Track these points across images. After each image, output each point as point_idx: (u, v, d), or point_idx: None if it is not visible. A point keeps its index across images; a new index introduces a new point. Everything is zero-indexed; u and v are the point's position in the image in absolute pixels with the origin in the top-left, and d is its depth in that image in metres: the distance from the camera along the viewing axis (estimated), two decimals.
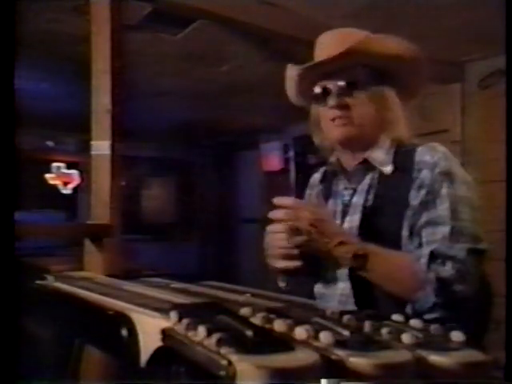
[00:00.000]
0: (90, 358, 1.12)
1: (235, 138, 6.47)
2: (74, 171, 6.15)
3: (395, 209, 1.13)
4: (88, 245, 1.69)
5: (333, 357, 0.54)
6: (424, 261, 1.05)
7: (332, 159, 1.30)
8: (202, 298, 0.92)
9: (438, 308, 1.02)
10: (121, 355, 0.79)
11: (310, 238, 1.03)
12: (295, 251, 1.08)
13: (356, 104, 1.17)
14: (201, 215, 7.08)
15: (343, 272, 1.15)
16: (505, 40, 1.12)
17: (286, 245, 1.07)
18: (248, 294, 0.96)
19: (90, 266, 1.65)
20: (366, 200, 1.18)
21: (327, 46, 1.20)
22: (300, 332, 0.59)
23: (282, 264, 1.11)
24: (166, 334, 0.64)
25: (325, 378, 0.52)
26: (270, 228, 1.09)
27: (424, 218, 1.09)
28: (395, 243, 1.10)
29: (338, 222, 1.21)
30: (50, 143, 6.01)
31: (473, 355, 0.58)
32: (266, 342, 0.55)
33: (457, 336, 0.62)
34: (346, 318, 0.69)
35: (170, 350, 0.62)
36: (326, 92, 1.20)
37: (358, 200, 1.20)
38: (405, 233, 1.11)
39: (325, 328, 0.61)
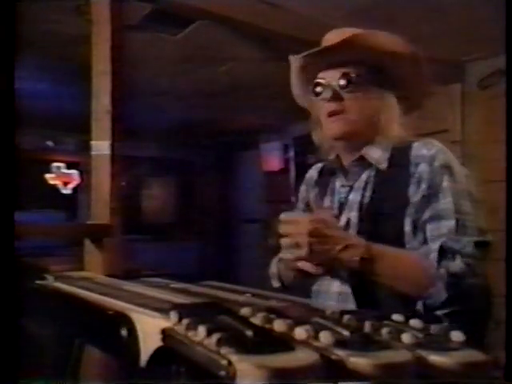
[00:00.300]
0: (89, 358, 1.12)
1: (235, 138, 6.47)
2: (74, 171, 6.15)
3: (394, 205, 1.13)
4: (88, 245, 1.69)
5: (333, 357, 0.54)
6: (433, 256, 1.04)
7: (331, 157, 1.30)
8: (202, 298, 0.92)
9: (451, 303, 1.02)
10: (121, 355, 0.79)
11: (312, 250, 1.01)
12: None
13: (351, 99, 1.18)
14: (201, 215, 7.09)
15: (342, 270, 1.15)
16: (505, 40, 1.12)
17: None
18: (248, 294, 0.96)
19: (90, 266, 1.65)
20: (362, 197, 1.18)
21: (330, 41, 1.21)
22: (300, 332, 0.59)
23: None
24: (166, 334, 0.64)
25: (325, 378, 0.52)
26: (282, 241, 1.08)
27: (427, 212, 1.09)
28: (396, 240, 1.09)
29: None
30: (50, 143, 6.01)
31: (473, 355, 0.58)
32: (266, 342, 0.55)
33: (457, 336, 0.62)
34: (345, 318, 0.69)
35: (170, 349, 0.62)
36: (323, 85, 1.21)
37: (354, 197, 1.20)
38: (407, 229, 1.10)
39: (325, 328, 0.61)
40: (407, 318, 0.68)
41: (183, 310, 0.66)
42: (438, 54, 2.98)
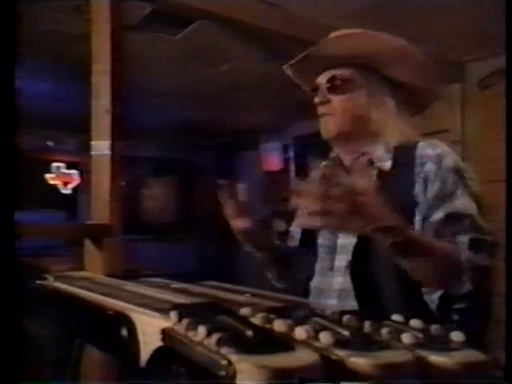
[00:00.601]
0: (89, 358, 1.12)
1: (235, 138, 6.47)
2: (74, 171, 6.15)
3: (398, 204, 1.12)
4: (88, 245, 1.69)
5: (333, 357, 0.54)
6: (463, 248, 1.03)
7: (332, 155, 1.30)
8: (202, 298, 0.92)
9: (471, 296, 1.01)
10: (121, 355, 0.79)
11: (339, 213, 0.84)
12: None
13: (338, 101, 1.20)
14: (201, 215, 7.08)
15: (341, 265, 1.14)
16: (505, 40, 1.12)
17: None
18: (248, 294, 0.96)
19: (90, 266, 1.65)
20: None
21: (322, 45, 1.22)
22: (300, 332, 0.59)
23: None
24: (166, 334, 0.64)
25: (325, 378, 0.52)
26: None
27: (442, 211, 1.07)
28: None
29: None
30: (50, 143, 6.00)
31: (473, 355, 0.58)
32: (266, 342, 0.55)
33: (457, 336, 0.62)
34: (346, 318, 0.69)
35: (170, 349, 0.62)
36: (317, 89, 1.24)
37: None
38: (417, 227, 1.09)
39: (325, 328, 0.61)
40: (407, 318, 0.68)
41: (183, 310, 0.66)
42: (438, 54, 2.98)
